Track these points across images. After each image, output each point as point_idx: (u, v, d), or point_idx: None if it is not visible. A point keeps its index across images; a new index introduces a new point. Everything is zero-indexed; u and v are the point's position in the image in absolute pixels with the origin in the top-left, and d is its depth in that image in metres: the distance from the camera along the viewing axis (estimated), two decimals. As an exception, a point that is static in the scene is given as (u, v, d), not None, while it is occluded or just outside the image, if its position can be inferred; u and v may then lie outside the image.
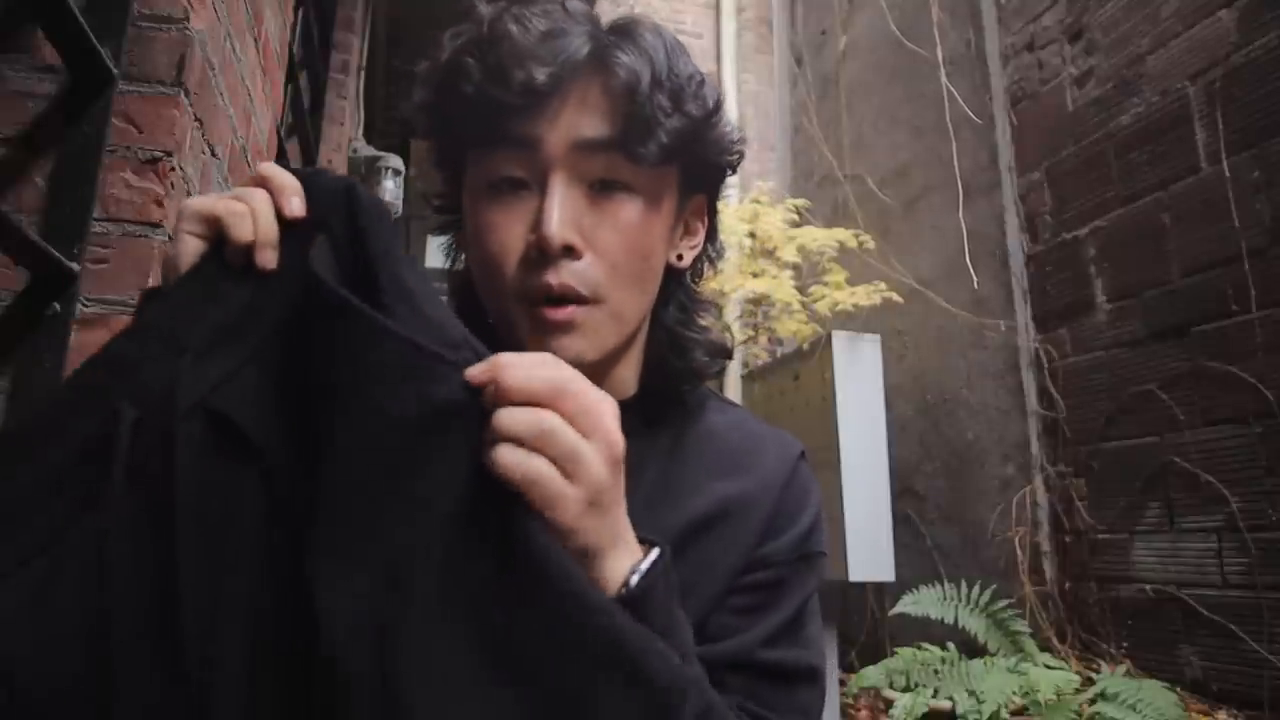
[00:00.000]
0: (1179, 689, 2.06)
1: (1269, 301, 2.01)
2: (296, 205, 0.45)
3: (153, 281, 0.86)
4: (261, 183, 0.46)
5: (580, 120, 0.54)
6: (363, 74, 3.22)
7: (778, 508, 0.62)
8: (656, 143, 0.54)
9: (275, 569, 0.40)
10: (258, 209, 0.45)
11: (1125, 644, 2.34)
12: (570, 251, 0.53)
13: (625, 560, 0.44)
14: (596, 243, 0.55)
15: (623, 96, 0.54)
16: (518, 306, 0.55)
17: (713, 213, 0.67)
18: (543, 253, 0.53)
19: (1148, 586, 2.28)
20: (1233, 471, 2.07)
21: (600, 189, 0.55)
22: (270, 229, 0.45)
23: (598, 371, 0.60)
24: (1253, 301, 2.04)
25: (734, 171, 0.65)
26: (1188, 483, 2.18)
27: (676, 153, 0.56)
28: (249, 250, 0.44)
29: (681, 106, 0.56)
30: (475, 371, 0.40)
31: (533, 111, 0.53)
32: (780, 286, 3.08)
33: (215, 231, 0.45)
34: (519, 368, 0.40)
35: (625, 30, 0.56)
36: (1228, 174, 2.13)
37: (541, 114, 0.54)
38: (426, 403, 0.40)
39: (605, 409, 0.42)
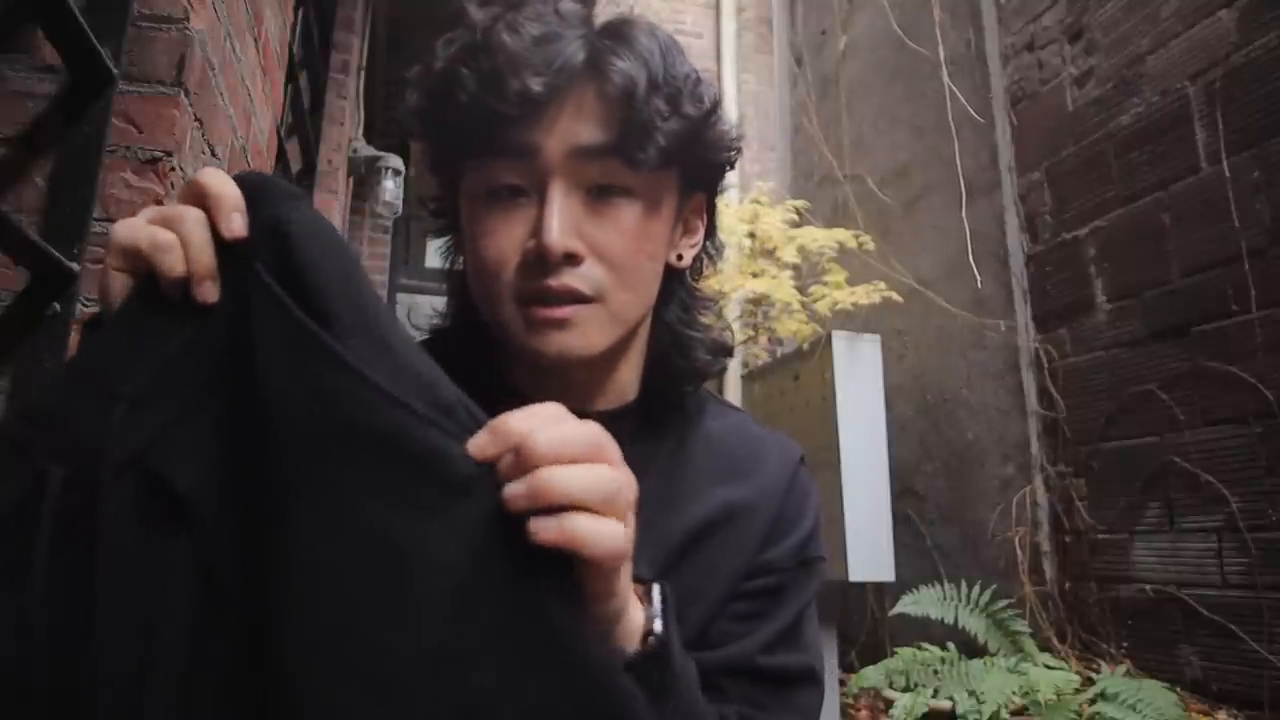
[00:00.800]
0: (1179, 689, 2.06)
1: (1269, 301, 2.01)
2: (238, 224, 0.40)
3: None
4: (198, 196, 0.41)
5: (577, 127, 0.53)
6: (363, 74, 3.22)
7: (779, 513, 0.62)
8: (655, 147, 0.54)
9: (209, 647, 0.37)
10: (189, 236, 0.40)
11: (1125, 644, 2.34)
12: (571, 258, 0.53)
13: (637, 607, 0.43)
14: (597, 247, 0.54)
15: (619, 102, 0.53)
16: (515, 308, 0.55)
17: (712, 210, 0.66)
18: (542, 259, 0.53)
19: (1148, 586, 2.28)
20: (1233, 471, 2.07)
21: (599, 194, 0.55)
22: (205, 259, 0.40)
23: (599, 373, 0.61)
24: (1253, 301, 2.04)
25: (732, 168, 0.64)
26: (1188, 483, 2.18)
27: (674, 155, 0.56)
28: (182, 283, 0.40)
29: (679, 109, 0.55)
30: (484, 443, 0.37)
31: (529, 120, 0.53)
32: (780, 286, 3.07)
33: (142, 266, 0.41)
34: (546, 429, 0.37)
35: (620, 33, 0.55)
36: (1228, 174, 2.13)
37: (538, 122, 0.53)
38: (429, 479, 0.35)
39: (619, 455, 0.41)
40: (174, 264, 0.40)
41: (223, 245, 0.41)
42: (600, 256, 0.54)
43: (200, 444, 0.39)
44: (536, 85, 0.51)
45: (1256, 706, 1.96)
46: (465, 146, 0.57)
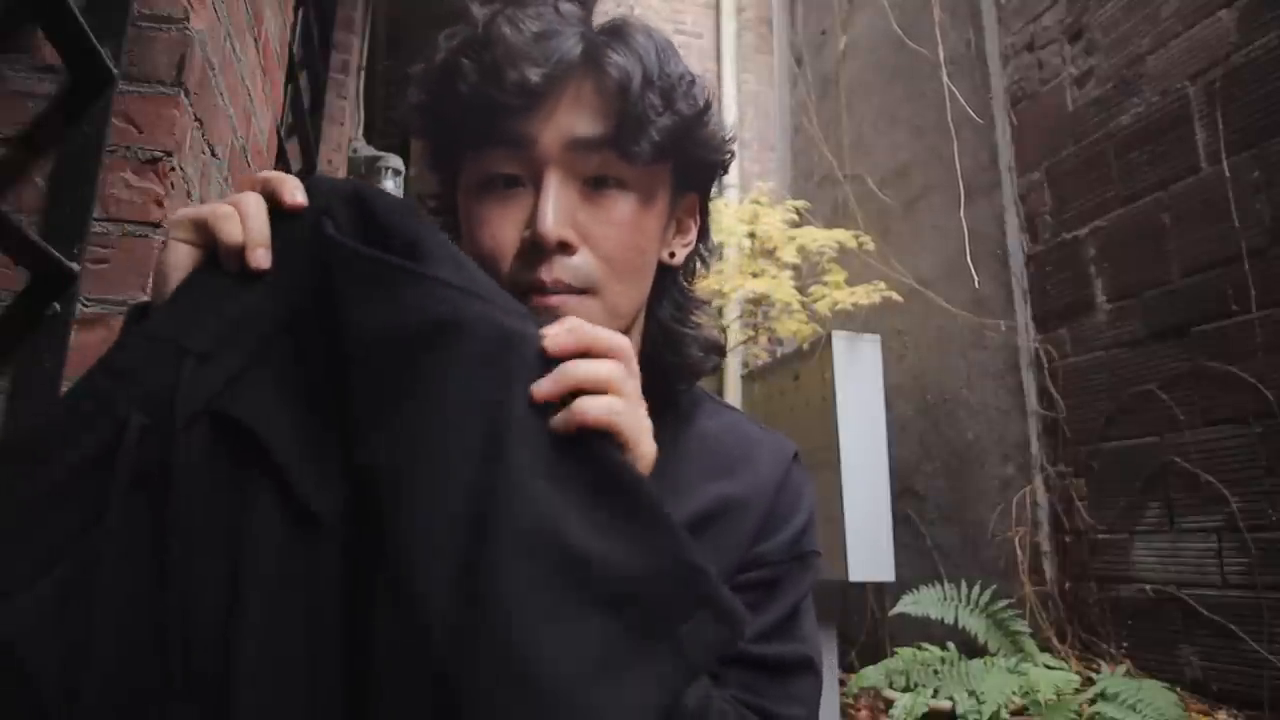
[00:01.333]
0: (1179, 689, 2.06)
1: (1269, 301, 2.01)
2: (300, 195, 0.45)
3: (150, 288, 0.86)
4: (260, 184, 0.46)
5: (574, 119, 0.55)
6: (363, 74, 3.22)
7: (772, 509, 0.62)
8: (649, 140, 0.55)
9: (293, 573, 0.40)
10: (247, 210, 0.45)
11: (1125, 644, 2.34)
12: (565, 247, 0.54)
13: None
14: (591, 238, 0.55)
15: (615, 95, 0.54)
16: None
17: (704, 212, 0.67)
18: (537, 248, 0.54)
19: (1148, 586, 2.28)
20: (1233, 471, 2.07)
21: (594, 185, 0.56)
22: (261, 228, 0.45)
23: None
24: (1253, 301, 2.04)
25: (725, 171, 0.66)
26: (1188, 483, 2.18)
27: (668, 150, 0.57)
28: (241, 252, 0.44)
29: (673, 105, 0.56)
30: (558, 334, 0.44)
31: (527, 111, 0.54)
32: (780, 286, 3.08)
33: (206, 237, 0.45)
34: (601, 334, 0.45)
35: (617, 31, 0.57)
36: (1228, 174, 2.13)
37: (536, 113, 0.54)
38: (512, 353, 0.42)
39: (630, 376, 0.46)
40: (233, 232, 0.44)
41: (286, 217, 0.46)
42: (594, 247, 0.55)
43: (265, 390, 0.43)
44: (535, 76, 0.53)
45: (1256, 706, 1.96)
46: (465, 137, 0.58)
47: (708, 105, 0.60)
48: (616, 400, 0.43)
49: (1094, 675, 2.20)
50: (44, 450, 0.42)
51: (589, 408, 0.42)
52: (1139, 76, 2.44)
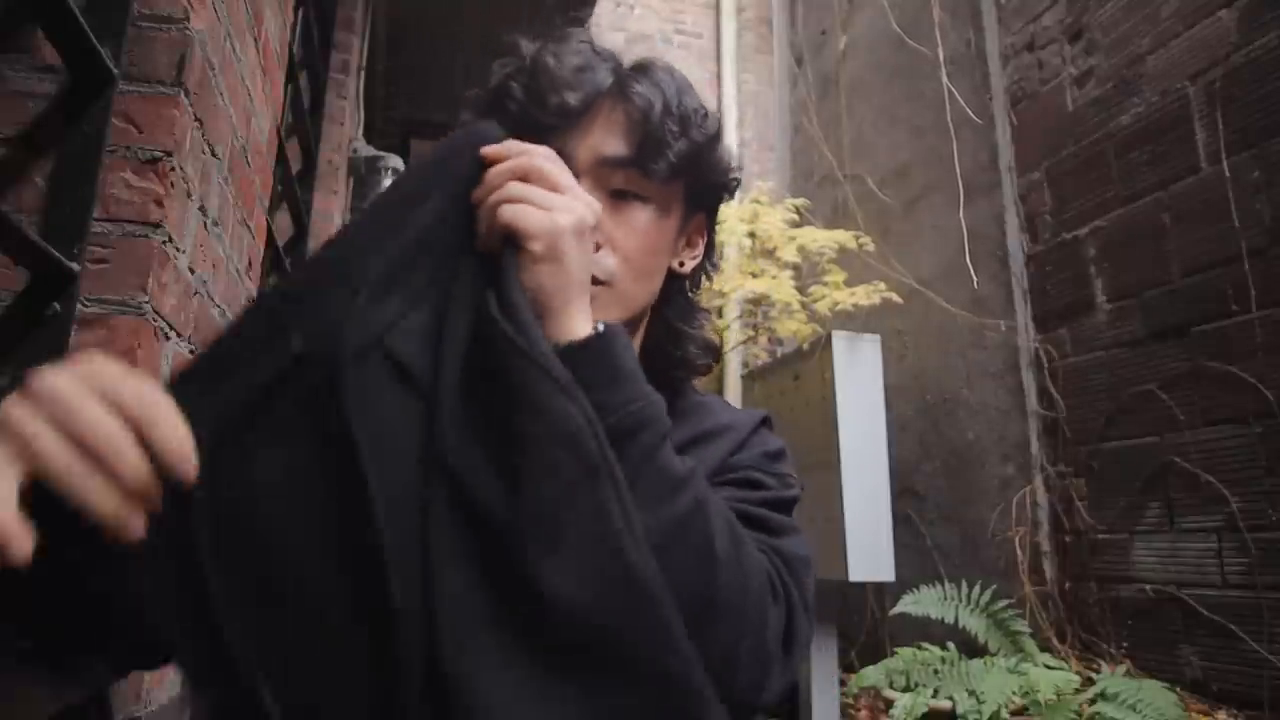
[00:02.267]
0: (1179, 689, 2.06)
1: (1269, 301, 2.01)
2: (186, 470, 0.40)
3: (152, 282, 0.86)
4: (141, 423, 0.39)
5: (604, 139, 0.65)
6: (363, 74, 3.22)
7: (746, 440, 0.70)
8: (666, 161, 0.65)
9: (437, 509, 0.45)
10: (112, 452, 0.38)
11: (1125, 644, 2.34)
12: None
13: (574, 326, 0.53)
14: (613, 239, 0.65)
15: (639, 121, 0.65)
16: None
17: (711, 230, 0.77)
18: None
19: (1148, 586, 2.28)
20: (1233, 471, 2.07)
21: (619, 196, 0.66)
22: (137, 479, 0.38)
23: None
24: (1253, 301, 2.04)
25: (731, 196, 0.76)
26: (1188, 483, 2.18)
27: (682, 170, 0.67)
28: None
29: (688, 132, 0.66)
30: (491, 150, 0.53)
31: (565, 130, 0.64)
32: (780, 286, 3.08)
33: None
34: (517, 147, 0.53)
35: (643, 67, 0.68)
36: (1228, 174, 2.13)
37: (572, 132, 0.65)
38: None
39: (576, 193, 0.54)
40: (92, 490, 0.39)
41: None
42: (615, 248, 0.65)
43: (423, 332, 0.47)
44: (573, 100, 0.64)
45: (1256, 706, 1.96)
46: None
47: (718, 134, 0.71)
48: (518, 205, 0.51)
49: (1094, 675, 2.20)
50: (226, 369, 0.45)
51: (501, 212, 0.51)
52: (1139, 76, 2.44)
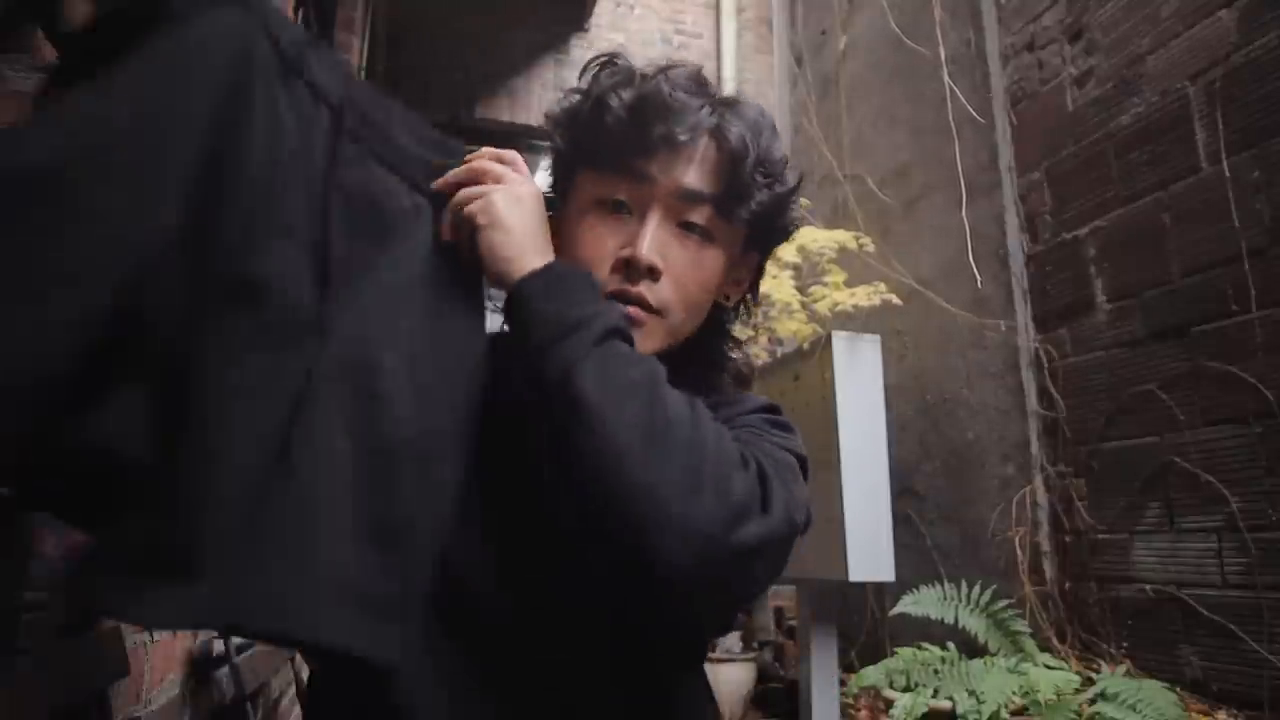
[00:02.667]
0: (1179, 689, 2.06)
1: (1269, 301, 2.01)
2: None
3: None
4: None
5: (691, 173, 0.66)
6: (363, 74, 3.21)
7: (750, 408, 0.72)
8: (747, 209, 0.67)
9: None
10: None
11: (1125, 644, 2.34)
12: (652, 272, 0.64)
13: (526, 264, 0.60)
14: (674, 270, 0.66)
15: (728, 162, 0.66)
16: None
17: (760, 271, 0.78)
18: (630, 266, 0.64)
19: (1148, 586, 2.28)
20: (1233, 471, 2.07)
21: (687, 229, 0.67)
22: None
23: None
24: (1253, 301, 2.04)
25: (788, 240, 0.78)
26: (1188, 483, 2.18)
27: (759, 220, 0.69)
28: None
29: (771, 184, 0.68)
30: (440, 184, 0.63)
31: (657, 156, 0.65)
32: (780, 286, 3.07)
33: None
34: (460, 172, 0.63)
35: (738, 107, 0.68)
36: (1228, 174, 2.13)
37: (662, 160, 0.65)
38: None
39: (510, 175, 0.63)
40: None
41: None
42: (674, 279, 0.66)
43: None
44: (682, 135, 0.64)
45: (1256, 706, 1.96)
46: (594, 159, 0.68)
47: (798, 187, 0.72)
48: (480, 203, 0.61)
49: (1094, 675, 2.20)
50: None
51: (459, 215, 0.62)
52: (1139, 76, 2.44)
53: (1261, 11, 2.08)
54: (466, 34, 3.99)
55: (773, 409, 0.75)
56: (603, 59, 0.71)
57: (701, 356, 0.75)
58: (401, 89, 4.05)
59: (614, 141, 0.65)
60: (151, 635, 0.98)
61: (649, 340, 0.65)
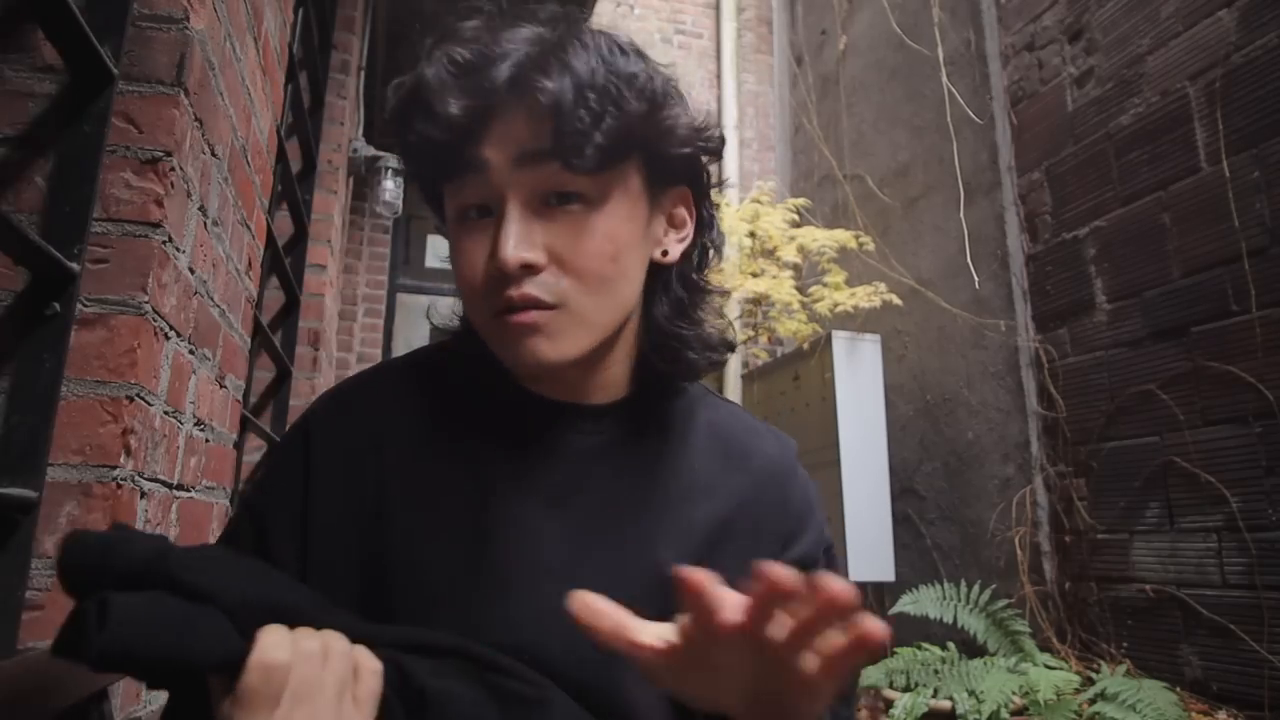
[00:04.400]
0: (1179, 689, 2.06)
1: (1269, 301, 2.01)
2: None
3: (152, 282, 0.86)
4: None
5: (515, 137, 0.55)
6: (363, 74, 3.22)
7: (789, 503, 0.65)
8: (592, 147, 0.54)
9: None
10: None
11: (1125, 644, 2.34)
12: (529, 269, 0.55)
13: None
14: (556, 255, 0.56)
15: (549, 113, 0.54)
16: (490, 322, 0.58)
17: (702, 202, 0.66)
18: (501, 274, 0.55)
19: (1148, 586, 2.28)
20: (1233, 471, 2.07)
21: (554, 203, 0.56)
22: None
23: (587, 371, 0.62)
24: (1253, 301, 2.04)
25: (709, 158, 0.65)
26: (1188, 483, 2.18)
27: (618, 153, 0.56)
28: None
29: (619, 106, 0.55)
30: None
31: (474, 138, 0.55)
32: (780, 286, 3.08)
33: None
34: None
35: (556, 46, 0.56)
36: (1228, 174, 2.13)
37: (481, 139, 0.55)
38: None
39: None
40: None
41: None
42: (560, 264, 0.56)
43: None
44: (455, 109, 0.54)
45: (1256, 706, 1.96)
46: (431, 172, 0.60)
47: (665, 97, 0.59)
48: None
49: (1094, 675, 2.20)
50: None
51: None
52: (1139, 76, 2.44)
53: (1261, 11, 2.09)
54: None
55: (798, 466, 0.69)
56: (397, 81, 0.60)
57: (651, 331, 0.64)
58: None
59: (427, 146, 0.56)
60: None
61: (563, 340, 0.56)
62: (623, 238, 0.58)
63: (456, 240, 0.59)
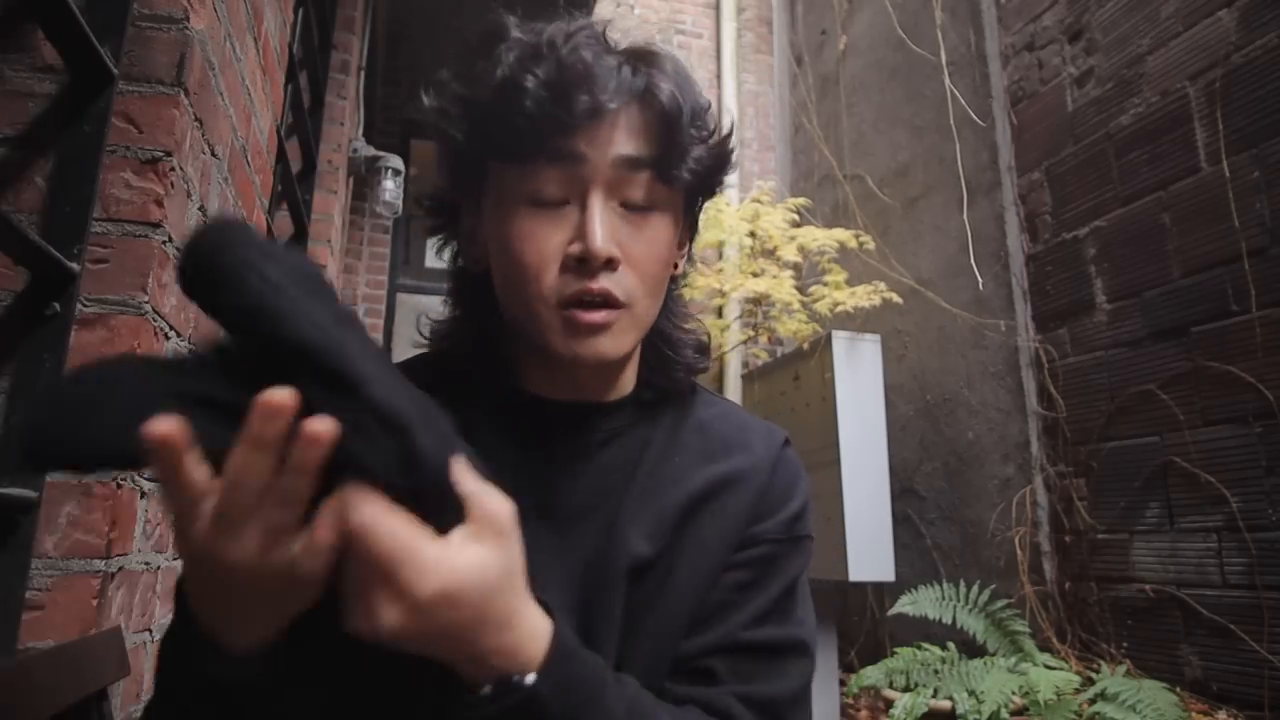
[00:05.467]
0: (1179, 689, 2.06)
1: (1269, 301, 2.01)
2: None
3: (152, 282, 0.86)
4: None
5: (623, 141, 0.58)
6: (363, 74, 3.22)
7: (766, 488, 0.65)
8: (688, 168, 0.59)
9: None
10: None
11: (1125, 644, 2.34)
12: (610, 263, 0.57)
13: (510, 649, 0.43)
14: (631, 256, 0.58)
15: (662, 122, 0.58)
16: (551, 311, 0.57)
17: (694, 225, 0.71)
18: (583, 263, 0.56)
19: (1148, 586, 2.28)
20: (1233, 471, 2.07)
21: (631, 206, 0.59)
22: None
23: (608, 372, 0.64)
24: (1253, 301, 2.04)
25: (718, 192, 0.69)
26: (1188, 483, 2.18)
27: (700, 178, 0.61)
28: None
29: (707, 137, 0.61)
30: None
31: (582, 131, 0.56)
32: (780, 286, 3.08)
33: None
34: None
35: (651, 59, 0.60)
36: (1228, 174, 2.13)
37: (589, 133, 0.57)
38: None
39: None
40: None
41: None
42: (633, 265, 0.59)
43: None
44: (611, 102, 0.56)
45: (1256, 706, 1.96)
46: (506, 149, 0.58)
47: (730, 135, 0.64)
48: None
49: (1094, 675, 2.20)
50: None
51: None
52: (1139, 76, 2.44)
53: (1261, 11, 2.09)
54: (467, 34, 3.99)
55: (786, 450, 0.69)
56: (487, 30, 0.60)
57: (658, 334, 0.67)
58: (401, 89, 4.05)
59: (532, 126, 0.56)
60: (152, 635, 0.98)
61: (623, 339, 0.59)
62: (672, 248, 0.63)
63: (520, 222, 0.58)
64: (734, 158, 0.66)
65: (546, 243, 0.57)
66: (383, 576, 0.37)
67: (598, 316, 0.57)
